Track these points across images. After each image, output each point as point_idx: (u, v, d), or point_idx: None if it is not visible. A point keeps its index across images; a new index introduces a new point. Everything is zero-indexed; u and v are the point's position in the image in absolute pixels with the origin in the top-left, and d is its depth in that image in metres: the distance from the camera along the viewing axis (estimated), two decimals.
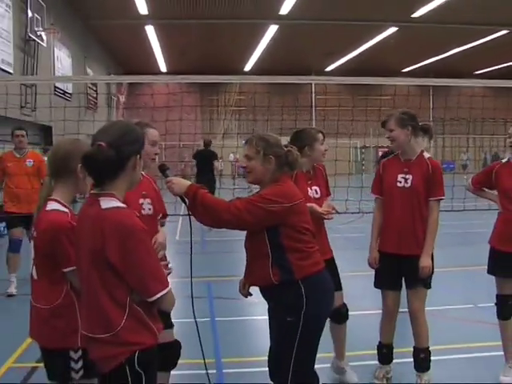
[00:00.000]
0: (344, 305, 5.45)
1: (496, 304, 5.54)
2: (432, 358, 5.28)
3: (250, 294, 4.30)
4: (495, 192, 5.69)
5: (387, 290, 5.37)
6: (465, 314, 7.49)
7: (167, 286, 2.95)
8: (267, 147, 4.03)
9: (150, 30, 29.60)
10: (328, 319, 5.31)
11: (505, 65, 37.91)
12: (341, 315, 5.41)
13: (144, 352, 2.94)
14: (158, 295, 2.91)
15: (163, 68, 39.99)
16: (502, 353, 5.54)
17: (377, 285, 5.46)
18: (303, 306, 3.82)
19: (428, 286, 5.24)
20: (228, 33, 30.82)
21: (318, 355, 4.03)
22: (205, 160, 16.30)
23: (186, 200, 3.85)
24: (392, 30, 29.59)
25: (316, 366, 4.05)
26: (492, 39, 31.06)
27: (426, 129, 5.36)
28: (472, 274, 9.45)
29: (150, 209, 4.35)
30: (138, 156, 3.07)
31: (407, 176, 5.19)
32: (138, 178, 3.19)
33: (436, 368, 5.33)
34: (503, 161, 5.64)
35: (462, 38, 30.98)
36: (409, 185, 5.17)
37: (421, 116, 5.45)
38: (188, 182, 3.91)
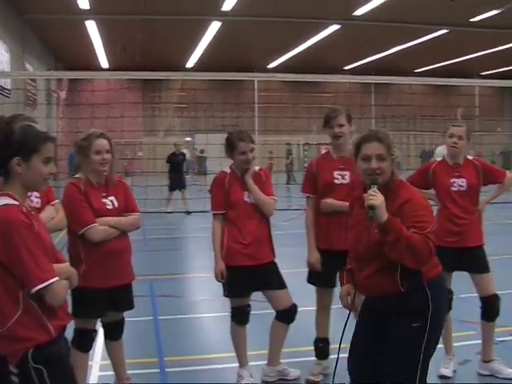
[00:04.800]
0: (294, 305, 5.27)
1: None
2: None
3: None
4: (432, 191, 5.71)
5: (325, 287, 5.33)
6: None
7: (47, 280, 2.95)
8: (393, 145, 3.68)
9: (91, 26, 29.01)
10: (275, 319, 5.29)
11: (443, 63, 38.58)
12: (291, 315, 5.26)
13: (38, 349, 2.98)
14: (37, 287, 2.92)
15: (104, 64, 39.38)
16: None
17: (312, 281, 5.41)
18: (429, 309, 3.57)
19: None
20: (170, 29, 30.57)
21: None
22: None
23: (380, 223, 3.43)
24: (334, 27, 29.71)
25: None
26: (431, 38, 31.48)
27: None
28: None
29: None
30: (20, 159, 3.04)
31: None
32: (36, 180, 3.14)
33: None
34: (438, 159, 5.76)
35: (402, 36, 31.36)
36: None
37: (363, 113, 5.50)
38: (385, 211, 3.44)
